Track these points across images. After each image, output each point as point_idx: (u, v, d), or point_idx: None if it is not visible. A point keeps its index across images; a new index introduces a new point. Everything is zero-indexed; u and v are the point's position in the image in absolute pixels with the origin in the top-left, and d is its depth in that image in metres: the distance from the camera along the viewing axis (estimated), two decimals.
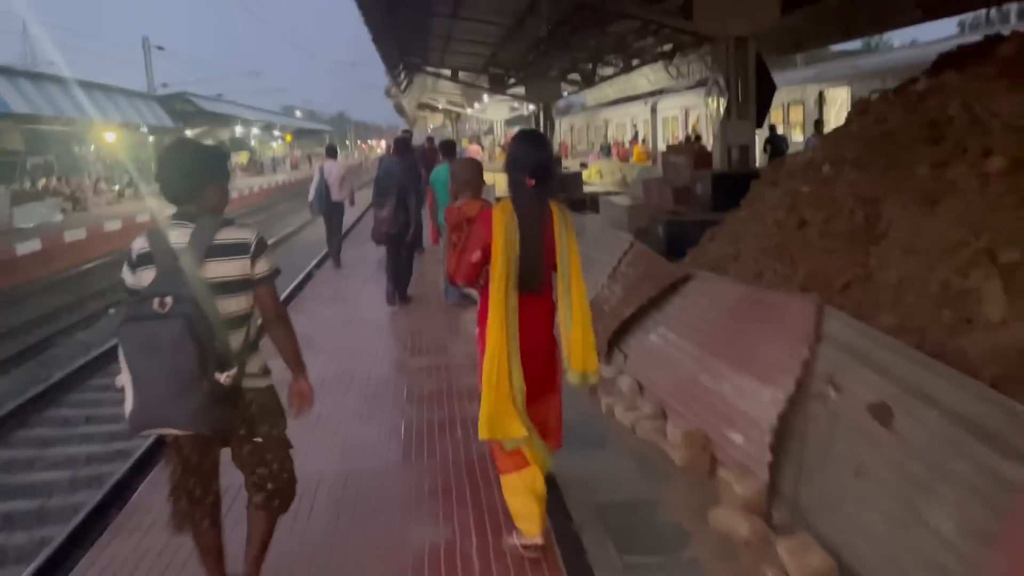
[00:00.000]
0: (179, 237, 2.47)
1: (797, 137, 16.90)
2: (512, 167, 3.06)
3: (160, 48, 32.88)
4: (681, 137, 23.56)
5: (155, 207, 24.99)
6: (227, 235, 2.51)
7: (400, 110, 42.78)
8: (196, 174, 2.58)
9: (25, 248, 16.50)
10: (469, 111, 35.32)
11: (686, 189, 8.77)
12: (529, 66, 17.90)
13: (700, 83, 23.46)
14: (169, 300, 2.32)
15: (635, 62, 17.66)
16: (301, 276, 12.34)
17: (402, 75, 21.07)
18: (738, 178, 8.21)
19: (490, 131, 41.89)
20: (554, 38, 12.85)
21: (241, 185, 40.17)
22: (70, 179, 25.34)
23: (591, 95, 30.00)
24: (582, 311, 3.10)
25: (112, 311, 12.81)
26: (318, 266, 12.79)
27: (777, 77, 16.54)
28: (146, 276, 2.46)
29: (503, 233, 2.96)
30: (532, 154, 3.06)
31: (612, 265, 5.71)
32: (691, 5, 7.95)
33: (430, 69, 20.06)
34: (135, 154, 34.38)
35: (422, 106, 39.42)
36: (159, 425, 2.41)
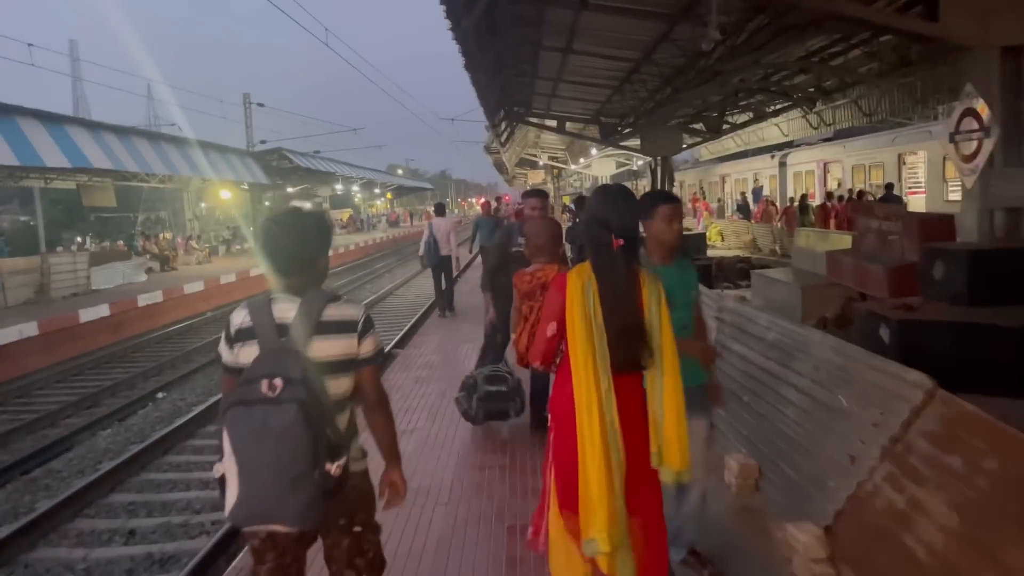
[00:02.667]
0: (283, 312, 2.30)
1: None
2: (593, 225, 2.65)
3: (260, 105, 32.50)
4: (818, 194, 20.52)
5: (244, 267, 23.90)
6: (335, 312, 2.32)
7: (500, 167, 41.24)
8: (310, 246, 2.39)
9: (90, 314, 15.11)
10: (573, 167, 33.22)
11: (912, 270, 5.96)
12: (649, 114, 15.47)
13: (840, 134, 20.57)
14: (279, 382, 2.13)
15: (778, 104, 14.94)
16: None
17: (503, 125, 19.06)
18: (1014, 256, 5.37)
19: (592, 188, 39.61)
20: (689, 75, 10.40)
21: (338, 243, 39.45)
22: (158, 237, 24.46)
23: (707, 148, 27.36)
24: (676, 399, 2.57)
25: (161, 395, 10.90)
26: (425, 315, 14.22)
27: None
28: (247, 353, 2.27)
29: (579, 299, 2.55)
30: (618, 211, 2.64)
31: (889, 432, 3.03)
32: (935, 2, 5.33)
33: (534, 120, 17.94)
34: (232, 211, 33.98)
35: (522, 163, 37.69)
36: (264, 521, 2.16)
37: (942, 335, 5.12)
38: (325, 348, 2.26)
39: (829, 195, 19.72)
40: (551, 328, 2.65)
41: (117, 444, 8.29)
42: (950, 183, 14.54)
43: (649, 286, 2.63)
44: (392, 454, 2.54)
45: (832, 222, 18.89)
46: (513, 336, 3.38)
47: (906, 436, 2.94)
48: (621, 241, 2.60)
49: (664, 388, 2.55)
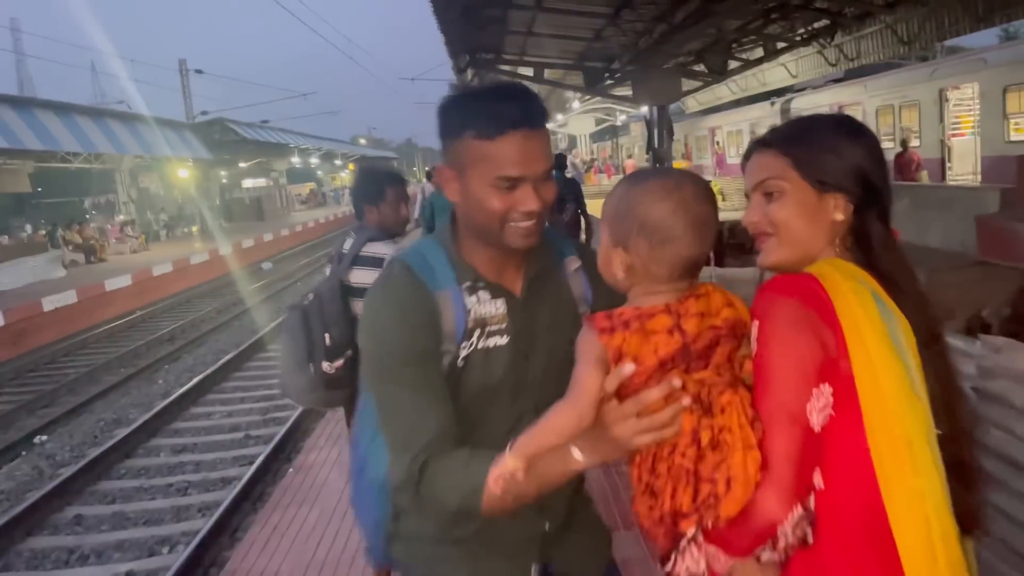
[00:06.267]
0: (346, 245, 3.13)
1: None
2: (847, 186, 1.25)
3: (199, 71, 29.24)
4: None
5: (184, 254, 20.98)
6: (371, 249, 3.04)
7: None
8: (356, 195, 3.28)
9: None
10: (548, 126, 30.44)
11: None
12: (644, 53, 12.84)
13: (852, 73, 18.10)
14: (311, 295, 2.97)
15: (799, 33, 12.40)
16: None
17: (469, 74, 16.28)
18: None
19: (569, 148, 36.92)
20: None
21: (297, 220, 36.44)
22: (81, 225, 21.45)
23: (694, 98, 24.78)
24: None
25: (40, 439, 8.21)
26: None
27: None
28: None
29: (875, 331, 1.15)
30: (872, 157, 1.28)
31: None
32: None
33: (506, 67, 15.17)
34: (174, 190, 30.83)
35: None
36: (285, 395, 3.14)
37: None
38: (360, 276, 2.98)
39: None
40: (820, 400, 1.13)
41: None
42: (1012, 119, 12.12)
43: None
44: None
45: None
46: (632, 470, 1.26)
47: None
48: (897, 234, 1.30)
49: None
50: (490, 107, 1.35)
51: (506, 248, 1.42)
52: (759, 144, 1.33)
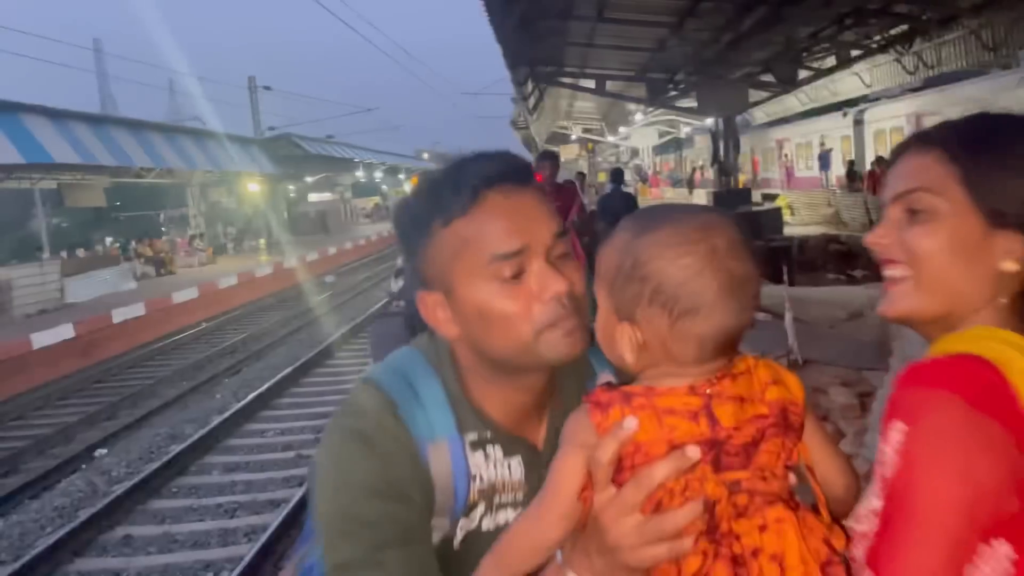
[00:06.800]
0: None
1: None
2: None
3: (267, 88, 29.97)
4: None
5: (250, 267, 21.43)
6: None
7: (528, 143, 38.25)
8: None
9: (48, 338, 12.63)
10: (610, 139, 30.12)
11: None
12: (710, 64, 12.46)
13: (930, 82, 17.28)
14: (401, 303, 2.86)
15: (876, 41, 11.85)
16: None
17: (529, 86, 16.16)
18: None
19: (628, 162, 36.48)
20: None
21: (361, 233, 37.00)
22: (151, 239, 22.11)
23: (762, 110, 24.16)
24: None
25: (99, 453, 8.29)
26: None
27: None
28: (397, 284, 3.37)
29: None
30: None
31: None
32: None
33: (567, 80, 14.97)
34: (241, 205, 31.60)
35: (552, 138, 34.71)
36: None
37: None
38: None
39: (879, 160, 16.84)
40: (990, 566, 0.72)
41: None
42: None
43: None
44: None
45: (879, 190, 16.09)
46: None
47: None
48: None
49: None
50: (453, 175, 0.99)
51: (541, 369, 1.02)
52: (918, 140, 0.93)
